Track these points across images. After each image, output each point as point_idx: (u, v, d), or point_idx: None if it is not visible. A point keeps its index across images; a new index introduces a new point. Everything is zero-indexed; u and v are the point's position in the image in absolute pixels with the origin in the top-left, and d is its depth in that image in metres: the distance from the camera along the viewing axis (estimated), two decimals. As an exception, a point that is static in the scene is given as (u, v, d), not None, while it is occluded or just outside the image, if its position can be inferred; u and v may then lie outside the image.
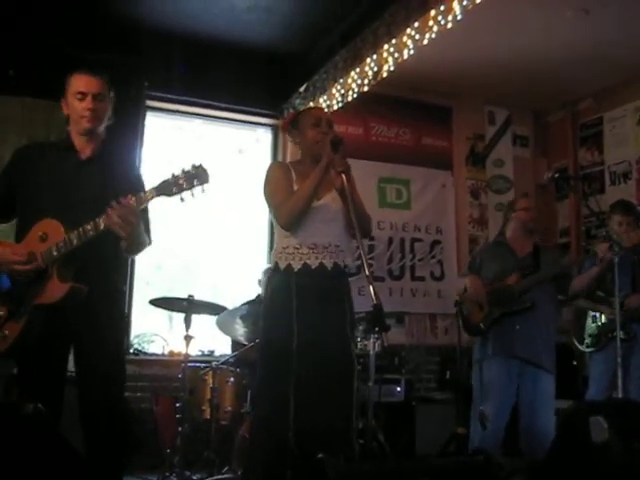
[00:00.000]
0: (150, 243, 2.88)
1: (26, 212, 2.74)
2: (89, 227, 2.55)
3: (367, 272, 2.55)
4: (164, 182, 2.54)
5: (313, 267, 2.89)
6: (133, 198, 2.55)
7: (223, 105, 5.91)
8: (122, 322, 2.88)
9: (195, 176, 2.50)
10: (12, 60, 5.08)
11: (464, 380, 4.45)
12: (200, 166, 2.52)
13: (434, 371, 5.96)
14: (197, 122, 6.04)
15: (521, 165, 6.64)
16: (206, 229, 5.86)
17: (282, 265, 2.93)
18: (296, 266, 2.89)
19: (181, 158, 5.68)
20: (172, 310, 4.53)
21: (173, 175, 2.53)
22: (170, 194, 2.52)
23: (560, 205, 6.57)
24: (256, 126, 6.23)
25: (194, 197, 2.53)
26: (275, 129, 6.20)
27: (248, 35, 5.52)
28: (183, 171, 2.52)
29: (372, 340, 3.92)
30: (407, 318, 5.98)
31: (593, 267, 4.14)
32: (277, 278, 2.95)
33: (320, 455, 1.91)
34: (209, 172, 2.52)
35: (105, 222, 2.54)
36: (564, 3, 4.75)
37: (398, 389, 5.25)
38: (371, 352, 3.90)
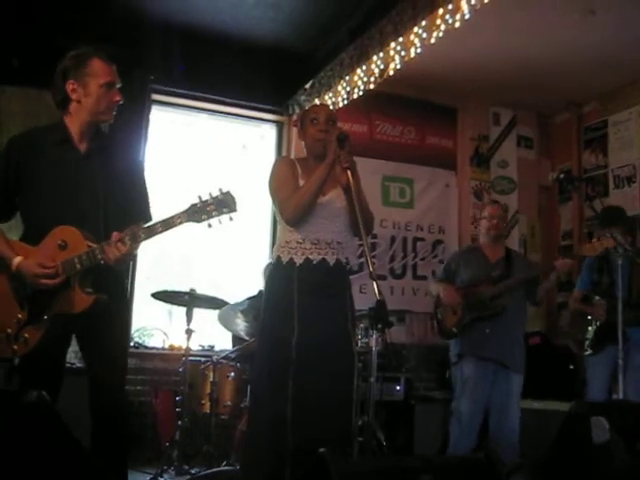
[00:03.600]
0: (150, 219, 2.78)
1: (31, 212, 2.65)
2: (97, 251, 2.49)
3: (371, 269, 2.55)
4: (193, 207, 2.48)
5: (315, 262, 2.88)
6: (127, 237, 2.49)
7: (228, 100, 5.90)
8: (128, 326, 2.82)
9: (224, 204, 2.46)
10: (16, 51, 5.07)
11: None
12: (228, 192, 2.48)
13: (434, 370, 5.94)
14: (202, 117, 6.04)
15: (525, 166, 6.63)
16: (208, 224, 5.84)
17: (284, 259, 2.92)
18: (298, 260, 2.89)
19: (185, 153, 5.77)
20: (174, 303, 4.54)
21: (201, 200, 2.48)
22: (199, 220, 2.48)
23: (563, 208, 6.56)
24: (261, 122, 6.23)
25: (221, 224, 2.49)
26: (280, 126, 6.20)
27: (255, 31, 5.51)
28: (211, 196, 2.48)
29: (374, 337, 3.91)
30: (408, 317, 5.97)
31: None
32: (279, 272, 2.95)
33: (322, 450, 1.91)
34: (237, 200, 2.49)
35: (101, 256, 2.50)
36: (571, 4, 4.74)
37: (398, 388, 5.26)
38: (373, 349, 3.89)
